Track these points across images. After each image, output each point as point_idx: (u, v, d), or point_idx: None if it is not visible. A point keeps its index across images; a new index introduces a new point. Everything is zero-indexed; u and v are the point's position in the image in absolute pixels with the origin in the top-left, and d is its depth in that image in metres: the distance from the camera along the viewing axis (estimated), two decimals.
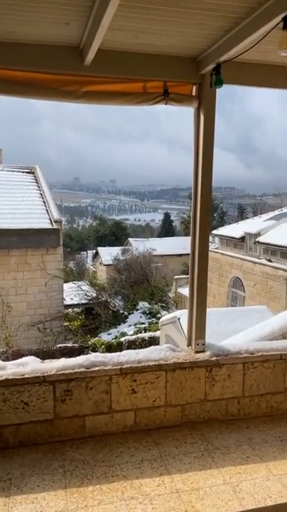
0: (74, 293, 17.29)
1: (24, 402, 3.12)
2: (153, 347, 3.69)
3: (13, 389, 3.10)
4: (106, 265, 29.60)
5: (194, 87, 3.43)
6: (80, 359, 3.37)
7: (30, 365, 3.25)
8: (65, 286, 16.30)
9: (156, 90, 3.31)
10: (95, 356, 3.42)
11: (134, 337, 12.08)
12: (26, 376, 3.14)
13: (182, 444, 3.21)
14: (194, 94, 3.43)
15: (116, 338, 12.81)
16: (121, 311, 15.61)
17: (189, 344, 3.70)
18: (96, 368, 3.28)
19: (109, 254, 28.45)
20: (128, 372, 3.33)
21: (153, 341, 11.04)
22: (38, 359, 3.44)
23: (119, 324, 14.47)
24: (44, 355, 10.06)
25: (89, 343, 12.24)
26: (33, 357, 3.44)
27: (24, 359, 3.37)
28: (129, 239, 39.74)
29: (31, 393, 3.13)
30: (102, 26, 2.42)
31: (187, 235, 37.67)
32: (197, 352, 3.57)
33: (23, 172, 17.23)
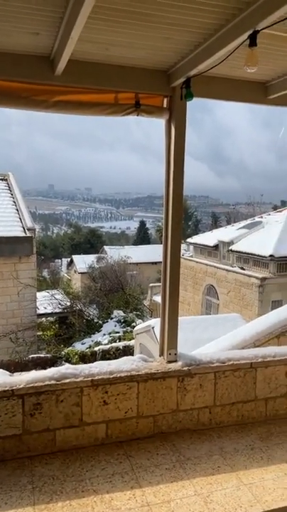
0: (47, 302, 17.01)
1: None
2: (125, 358, 3.66)
3: None
4: (80, 273, 29.33)
5: (165, 100, 3.48)
6: (51, 371, 3.31)
7: None
8: (39, 294, 16.02)
9: (128, 102, 3.33)
10: (66, 368, 3.37)
11: (108, 346, 11.98)
12: None
13: (154, 455, 3.19)
14: (165, 106, 3.48)
15: (90, 347, 12.66)
16: (96, 320, 15.47)
17: (161, 354, 3.70)
18: (67, 380, 3.23)
19: (83, 262, 28.22)
20: (100, 383, 3.29)
21: (128, 350, 10.98)
22: (7, 372, 3.35)
23: (94, 333, 14.32)
24: (16, 366, 9.82)
25: (63, 353, 12.05)
26: (1, 370, 3.36)
27: None
28: (104, 247, 39.60)
29: None
30: (72, 38, 2.42)
31: (162, 242, 37.88)
32: (169, 362, 3.57)
33: None
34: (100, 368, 3.42)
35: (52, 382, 3.20)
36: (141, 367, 3.48)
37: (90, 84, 3.19)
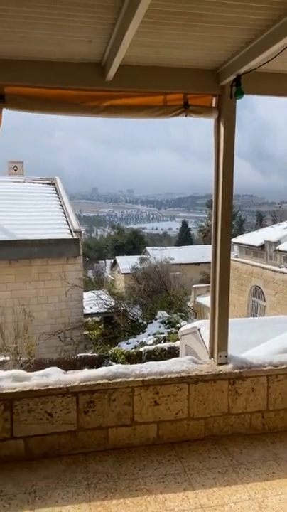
0: (93, 302, 17.37)
1: (48, 412, 3.14)
2: (174, 359, 3.66)
3: (37, 400, 3.13)
4: (124, 274, 29.65)
5: (214, 99, 3.44)
6: (103, 370, 3.38)
7: (54, 376, 3.28)
8: (84, 295, 16.41)
9: (176, 103, 3.34)
10: (117, 368, 3.42)
11: (153, 347, 12.01)
12: (50, 387, 3.17)
13: (206, 458, 3.16)
14: (214, 105, 3.44)
15: (135, 347, 12.77)
16: (140, 321, 15.57)
17: (211, 356, 3.66)
18: (119, 380, 3.29)
19: (127, 263, 28.52)
20: (151, 384, 3.31)
21: (173, 351, 10.95)
22: (61, 370, 3.46)
23: (138, 334, 14.43)
24: (65, 364, 10.10)
25: (109, 352, 12.24)
26: (56, 368, 3.47)
27: (48, 370, 3.40)
28: (147, 248, 39.76)
29: (55, 404, 3.16)
30: (124, 44, 2.47)
31: (205, 243, 37.48)
32: (219, 364, 3.53)
33: (43, 183, 17.54)
34: (150, 368, 3.44)
35: (105, 381, 3.27)
36: (191, 368, 3.47)
37: (139, 87, 3.24)
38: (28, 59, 3.03)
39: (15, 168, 19.41)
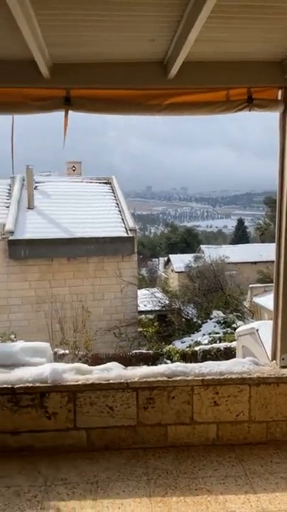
0: (147, 299, 17.53)
1: (109, 406, 3.22)
2: (235, 359, 3.60)
3: (99, 393, 3.22)
4: (177, 272, 29.55)
5: (279, 92, 3.32)
6: (161, 368, 3.40)
7: (115, 371, 3.35)
8: (139, 292, 16.60)
9: (240, 97, 3.26)
10: (176, 366, 3.43)
11: (209, 346, 11.88)
12: (111, 381, 3.24)
13: (268, 463, 3.07)
14: (279, 98, 3.32)
15: (190, 346, 12.70)
16: (195, 320, 15.46)
17: (273, 358, 3.55)
18: (178, 378, 3.29)
19: (180, 261, 28.39)
20: (210, 384, 3.28)
21: (229, 352, 10.76)
22: (121, 365, 3.54)
23: (193, 333, 14.34)
24: (120, 360, 10.28)
25: (164, 350, 12.29)
26: (116, 363, 3.55)
27: (108, 364, 3.49)
28: (201, 246, 39.34)
29: (115, 398, 3.23)
30: (189, 41, 2.46)
31: (262, 241, 36.30)
32: (282, 367, 3.41)
33: (100, 183, 17.99)
34: (210, 368, 3.40)
35: (164, 378, 3.28)
36: (252, 370, 3.38)
37: (202, 83, 3.20)
38: (91, 61, 3.12)
39: (73, 169, 20.10)
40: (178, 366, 3.41)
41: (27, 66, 2.99)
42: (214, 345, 12.00)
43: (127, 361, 10.90)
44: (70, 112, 3.22)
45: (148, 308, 17.36)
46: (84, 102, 3.20)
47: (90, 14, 2.47)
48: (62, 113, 3.24)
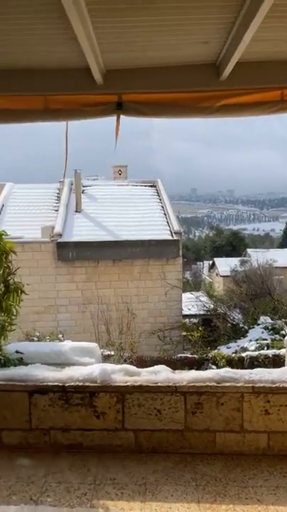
0: (191, 303, 17.35)
1: (157, 409, 3.22)
2: (286, 368, 3.47)
3: (147, 395, 3.23)
4: (223, 276, 29.09)
5: None
6: (210, 373, 3.35)
7: (163, 374, 3.35)
8: (183, 296, 16.48)
9: None
10: (226, 371, 3.36)
11: (256, 353, 11.51)
12: (159, 384, 3.25)
13: None
14: None
15: (236, 352, 12.40)
16: (241, 325, 15.09)
17: None
18: (227, 384, 3.23)
19: (226, 265, 27.90)
20: (261, 391, 3.19)
21: (278, 359, 10.37)
22: (169, 368, 3.53)
23: (239, 338, 13.98)
24: (165, 363, 10.24)
25: (209, 355, 12.09)
26: (164, 366, 3.56)
27: (156, 367, 3.50)
28: (248, 249, 38.43)
29: (163, 402, 3.22)
30: (244, 41, 2.42)
31: None
32: None
33: (145, 186, 18.12)
34: (261, 375, 3.31)
35: (213, 383, 3.24)
36: None
37: (255, 84, 3.14)
38: (144, 66, 3.15)
39: (119, 172, 20.41)
40: (228, 372, 3.35)
41: (81, 73, 3.09)
42: (261, 351, 11.61)
43: (171, 365, 10.83)
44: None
45: (193, 312, 17.18)
46: (136, 107, 3.25)
47: (144, 20, 2.50)
48: (108, 118, 3.30)
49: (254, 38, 2.50)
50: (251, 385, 3.20)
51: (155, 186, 18.05)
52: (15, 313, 4.43)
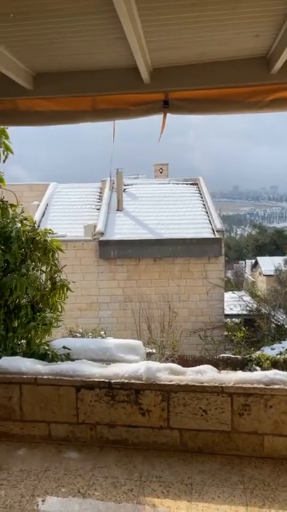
0: (233, 303, 17.04)
1: (203, 409, 3.19)
2: None
3: (192, 395, 3.21)
4: (266, 275, 28.29)
5: None
6: (258, 374, 3.27)
7: (209, 374, 3.31)
8: (225, 295, 16.22)
9: None
10: (274, 373, 3.27)
11: None
12: (205, 384, 3.21)
13: None
14: None
15: (280, 354, 12.05)
16: (286, 326, 14.64)
17: None
18: (276, 386, 3.14)
19: (271, 263, 27.12)
20: None
21: None
22: (215, 369, 3.48)
23: (284, 339, 13.57)
24: (207, 363, 10.12)
25: (253, 356, 11.83)
26: (209, 366, 3.51)
27: (202, 367, 3.46)
28: None
29: (209, 402, 3.19)
30: None
31: None
32: None
33: (187, 184, 17.99)
34: None
35: (261, 385, 3.16)
36: None
37: None
38: (190, 63, 3.12)
39: (160, 171, 20.41)
40: (277, 374, 3.26)
41: (128, 73, 3.11)
42: None
43: (214, 365, 10.68)
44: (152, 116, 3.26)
45: (235, 312, 16.87)
46: (183, 104, 3.22)
47: (192, 16, 2.47)
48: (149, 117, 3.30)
49: None
50: None
51: (196, 184, 17.87)
52: (60, 310, 4.56)
